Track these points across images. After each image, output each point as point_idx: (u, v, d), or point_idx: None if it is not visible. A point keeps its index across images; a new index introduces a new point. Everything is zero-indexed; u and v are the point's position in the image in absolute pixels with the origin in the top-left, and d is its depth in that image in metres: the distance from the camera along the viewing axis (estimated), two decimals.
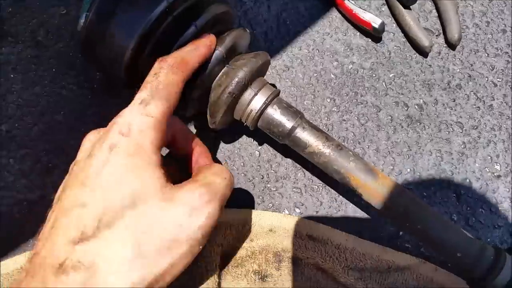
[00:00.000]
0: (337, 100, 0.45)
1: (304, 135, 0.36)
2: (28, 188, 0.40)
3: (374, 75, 0.47)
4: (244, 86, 0.34)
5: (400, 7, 0.47)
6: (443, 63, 0.48)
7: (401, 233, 0.41)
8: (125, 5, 0.30)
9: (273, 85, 0.37)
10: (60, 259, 0.23)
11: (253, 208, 0.41)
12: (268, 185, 0.42)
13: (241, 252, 0.37)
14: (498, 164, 0.44)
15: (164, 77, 0.28)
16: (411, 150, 0.44)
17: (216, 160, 0.42)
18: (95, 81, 0.44)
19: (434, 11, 0.50)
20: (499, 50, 0.49)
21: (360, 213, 0.41)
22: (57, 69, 0.44)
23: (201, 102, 0.35)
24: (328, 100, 0.45)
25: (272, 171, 0.42)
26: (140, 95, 0.27)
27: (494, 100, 0.47)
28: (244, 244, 0.38)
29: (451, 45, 0.48)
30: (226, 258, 0.37)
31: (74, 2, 0.47)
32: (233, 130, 0.43)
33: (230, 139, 0.43)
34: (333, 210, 0.41)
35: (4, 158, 0.41)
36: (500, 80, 0.47)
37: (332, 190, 0.42)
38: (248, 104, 0.35)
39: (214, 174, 0.28)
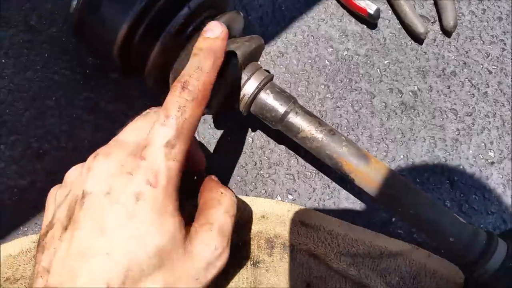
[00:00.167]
0: (331, 86, 0.45)
1: (297, 120, 0.35)
2: (18, 174, 0.40)
3: (369, 61, 0.46)
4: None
5: None
6: (438, 50, 0.47)
7: (393, 219, 0.41)
8: None
9: (267, 71, 0.37)
10: None
11: (246, 195, 0.41)
12: (261, 172, 0.42)
13: (234, 238, 0.37)
14: (492, 150, 0.44)
15: (190, 113, 0.27)
16: (404, 136, 0.44)
17: (215, 158, 0.42)
18: (88, 67, 0.43)
19: None
20: (495, 38, 0.49)
21: (352, 200, 0.41)
22: (49, 54, 0.44)
23: None
24: (322, 87, 0.45)
25: (265, 157, 0.42)
26: (165, 133, 0.26)
27: (488, 87, 0.46)
28: (237, 230, 0.38)
29: (447, 32, 0.48)
30: None
31: None
32: (226, 116, 0.43)
33: (223, 126, 0.43)
34: (326, 197, 0.41)
35: None
36: (495, 67, 0.47)
37: (325, 177, 0.42)
38: (241, 89, 0.35)
39: (226, 212, 0.29)
